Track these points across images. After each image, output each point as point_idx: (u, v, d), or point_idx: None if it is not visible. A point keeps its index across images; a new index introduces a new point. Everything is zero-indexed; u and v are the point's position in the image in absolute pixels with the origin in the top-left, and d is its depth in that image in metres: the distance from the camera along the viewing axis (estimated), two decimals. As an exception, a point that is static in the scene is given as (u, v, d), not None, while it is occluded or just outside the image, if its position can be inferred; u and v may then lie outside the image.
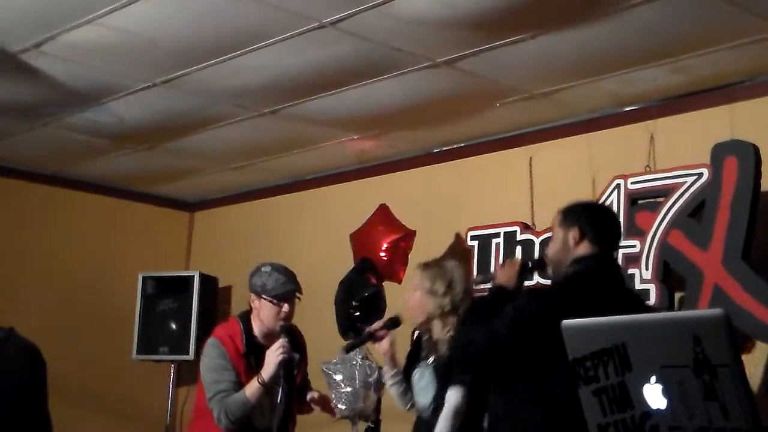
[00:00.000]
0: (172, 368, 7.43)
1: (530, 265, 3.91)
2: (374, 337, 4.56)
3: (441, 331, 4.38)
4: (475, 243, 5.84)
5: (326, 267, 6.37)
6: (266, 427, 4.58)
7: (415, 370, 4.45)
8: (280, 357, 4.48)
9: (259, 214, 7.76)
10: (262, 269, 4.78)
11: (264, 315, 4.70)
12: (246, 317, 4.78)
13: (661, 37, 4.68)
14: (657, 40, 4.70)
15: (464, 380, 4.19)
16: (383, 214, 6.15)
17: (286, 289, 4.69)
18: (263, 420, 4.61)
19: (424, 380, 4.37)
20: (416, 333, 4.64)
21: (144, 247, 7.89)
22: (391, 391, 4.56)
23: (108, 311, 7.47)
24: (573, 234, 3.65)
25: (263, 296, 4.69)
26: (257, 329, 4.73)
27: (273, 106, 5.80)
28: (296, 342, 4.76)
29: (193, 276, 7.37)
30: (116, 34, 4.78)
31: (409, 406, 4.53)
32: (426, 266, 4.52)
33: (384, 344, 4.53)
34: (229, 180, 7.59)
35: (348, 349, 4.66)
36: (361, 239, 6.20)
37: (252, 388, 4.51)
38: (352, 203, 6.87)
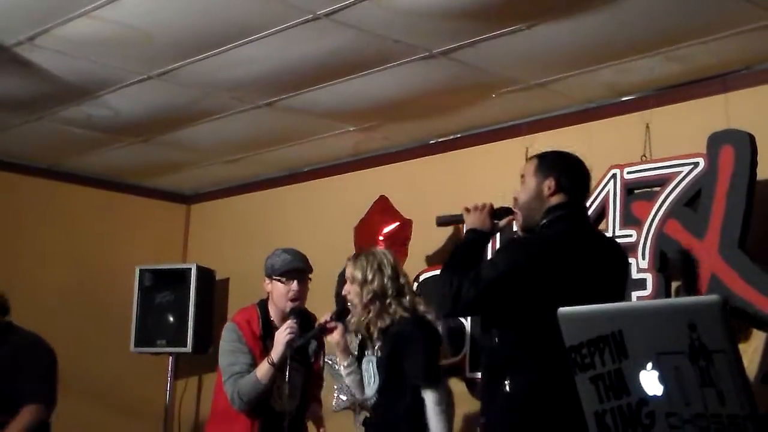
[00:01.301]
0: (170, 361, 7.43)
1: (500, 210, 3.77)
2: (324, 330, 4.57)
3: (376, 320, 4.37)
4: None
5: (323, 259, 6.36)
6: (285, 411, 4.69)
7: (364, 359, 4.48)
8: (288, 337, 4.60)
9: (256, 206, 7.76)
10: (274, 252, 4.94)
11: (275, 296, 4.86)
12: (263, 303, 4.93)
13: (657, 27, 4.68)
14: (653, 29, 4.70)
15: (429, 381, 4.22)
16: (382, 205, 6.16)
17: (291, 266, 4.83)
18: (282, 404, 4.72)
19: (369, 371, 4.39)
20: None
21: (141, 240, 7.89)
22: (347, 381, 4.57)
23: (105, 304, 7.47)
24: (548, 183, 3.63)
25: (273, 277, 4.85)
26: (273, 313, 4.88)
27: (269, 98, 5.80)
28: (310, 326, 4.84)
29: (190, 268, 7.38)
30: (111, 26, 4.78)
31: (365, 396, 4.54)
32: (354, 257, 4.52)
33: (335, 335, 4.55)
34: (225, 172, 7.59)
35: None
36: (361, 230, 6.21)
37: (262, 369, 4.65)
38: (349, 195, 6.87)
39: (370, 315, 4.37)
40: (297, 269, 4.86)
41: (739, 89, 5.12)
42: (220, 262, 7.64)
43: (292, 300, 4.82)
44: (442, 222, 4.19)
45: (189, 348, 7.21)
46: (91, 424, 7.07)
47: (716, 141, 4.88)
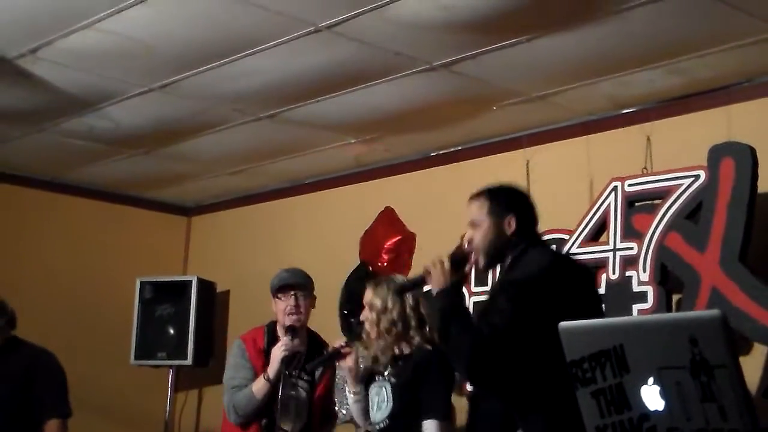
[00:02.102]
0: (171, 373, 7.42)
1: (456, 259, 3.72)
2: (338, 355, 4.56)
3: (392, 347, 4.38)
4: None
5: (325, 271, 6.37)
6: (292, 429, 4.78)
7: (373, 385, 4.45)
8: (283, 354, 4.70)
9: (257, 218, 7.75)
10: (277, 272, 5.07)
11: (277, 314, 4.96)
12: (273, 323, 5.04)
13: (658, 40, 4.68)
14: (654, 42, 4.71)
15: (440, 414, 4.22)
16: (388, 217, 6.16)
17: (286, 282, 4.94)
18: (288, 422, 4.77)
19: (381, 396, 4.37)
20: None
21: (142, 252, 7.89)
22: (353, 408, 4.54)
23: (105, 316, 7.46)
24: (509, 221, 3.67)
25: (273, 295, 4.97)
26: (280, 332, 4.97)
27: (270, 111, 5.80)
28: (318, 346, 4.95)
29: (191, 281, 7.37)
30: (112, 39, 4.78)
31: (368, 424, 4.52)
32: (375, 283, 4.51)
33: (348, 361, 4.53)
34: (226, 184, 7.59)
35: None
36: (367, 241, 6.22)
37: (258, 383, 4.75)
38: (351, 207, 6.87)
39: (385, 343, 4.37)
40: (291, 284, 4.95)
41: (740, 102, 5.12)
42: (220, 275, 7.64)
43: (289, 314, 4.89)
44: (401, 289, 4.26)
45: (189, 360, 7.20)
46: (91, 436, 7.06)
47: (717, 153, 4.88)
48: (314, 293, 5.09)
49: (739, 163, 4.79)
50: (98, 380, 7.29)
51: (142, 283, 7.44)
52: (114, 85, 5.45)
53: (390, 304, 4.37)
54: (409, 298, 4.39)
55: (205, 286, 7.47)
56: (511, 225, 3.67)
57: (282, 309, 4.92)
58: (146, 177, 7.44)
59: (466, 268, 3.77)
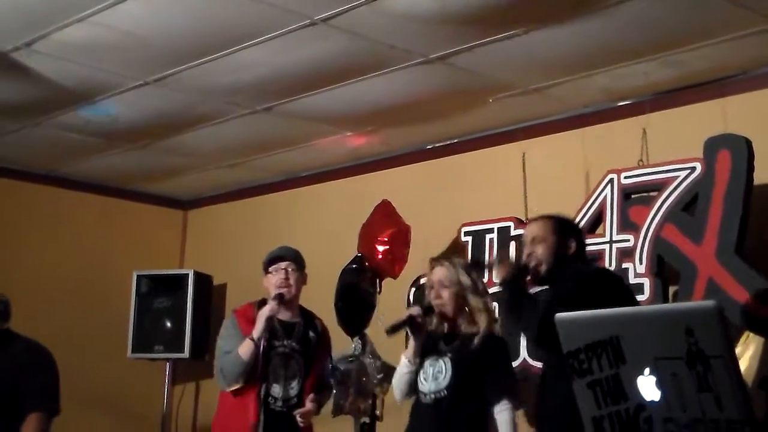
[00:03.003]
0: (168, 366, 7.42)
1: (522, 267, 4.15)
2: (412, 323, 4.45)
3: (466, 326, 4.38)
4: (469, 239, 5.85)
5: (321, 264, 6.36)
6: (283, 397, 4.83)
7: (429, 360, 4.40)
8: (269, 313, 4.77)
9: (254, 211, 7.75)
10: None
11: (269, 288, 4.98)
12: (264, 299, 5.03)
13: (653, 32, 4.68)
14: (649, 34, 4.71)
15: (514, 399, 4.29)
16: (384, 209, 6.14)
17: (275, 254, 5.02)
18: (279, 389, 4.83)
19: (436, 368, 4.36)
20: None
21: (138, 246, 7.88)
22: (400, 378, 4.47)
23: (102, 310, 7.46)
24: (571, 244, 4.12)
25: (264, 272, 5.01)
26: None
27: (266, 104, 5.80)
28: (310, 321, 5.03)
29: (188, 274, 7.37)
30: (108, 32, 4.78)
31: (405, 397, 4.51)
32: (450, 262, 4.51)
33: (422, 332, 4.47)
34: (222, 178, 7.59)
35: (391, 331, 4.63)
36: (364, 234, 6.21)
37: (244, 345, 4.79)
38: (347, 200, 6.87)
39: (460, 320, 4.39)
40: (281, 256, 5.00)
41: (735, 94, 5.13)
42: (217, 268, 7.63)
43: (279, 287, 4.91)
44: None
45: (186, 354, 7.20)
46: (87, 430, 7.05)
47: (713, 146, 4.88)
48: (305, 271, 5.07)
49: (734, 155, 4.79)
50: (95, 373, 7.29)
51: (138, 276, 7.44)
52: (109, 79, 5.44)
53: (464, 281, 4.40)
54: (480, 282, 4.45)
55: (202, 280, 7.46)
56: (571, 247, 4.12)
57: (273, 283, 4.94)
58: (142, 170, 7.43)
59: (526, 278, 4.17)
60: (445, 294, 4.41)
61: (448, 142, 6.45)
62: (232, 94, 5.63)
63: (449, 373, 4.32)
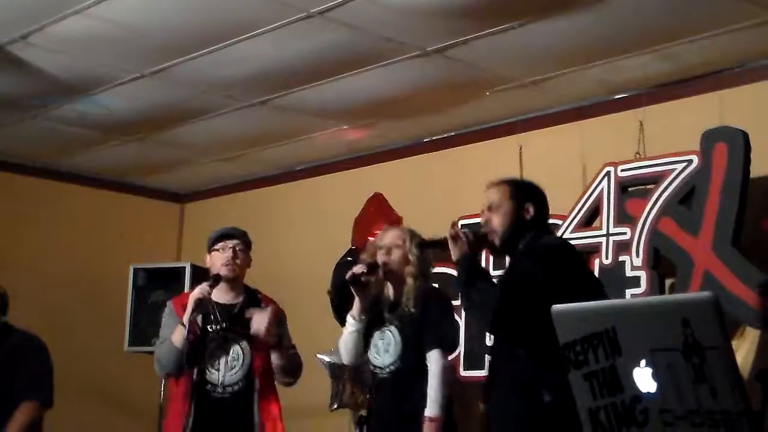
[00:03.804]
0: (165, 360, 7.41)
1: (479, 237, 3.85)
2: (357, 281, 4.40)
3: (405, 294, 4.38)
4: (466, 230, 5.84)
5: (318, 257, 6.37)
6: (224, 383, 4.62)
7: (376, 332, 4.42)
8: (198, 294, 4.55)
9: (250, 205, 7.74)
10: None
11: (212, 269, 4.80)
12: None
13: (650, 25, 4.68)
14: (645, 27, 4.71)
15: (444, 345, 4.30)
16: (377, 202, 6.15)
17: (220, 233, 4.85)
18: (218, 375, 4.63)
19: (385, 340, 4.37)
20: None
21: (135, 239, 7.87)
22: (347, 339, 4.46)
23: (99, 303, 7.45)
24: (528, 207, 3.81)
25: (208, 251, 4.85)
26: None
27: (263, 97, 5.79)
28: (254, 301, 4.77)
29: (185, 267, 7.35)
30: (104, 24, 4.77)
31: (354, 359, 4.49)
32: (398, 227, 4.58)
33: (366, 290, 4.46)
34: (219, 171, 7.58)
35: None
36: (357, 226, 6.21)
37: (176, 332, 4.59)
38: (344, 193, 6.86)
39: (404, 287, 4.40)
40: (228, 234, 4.83)
41: (732, 87, 5.13)
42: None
43: (225, 265, 4.72)
44: (423, 244, 4.29)
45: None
46: (85, 423, 7.04)
47: (710, 138, 4.88)
48: (251, 253, 4.89)
49: (731, 148, 4.79)
50: (92, 367, 7.29)
51: (135, 269, 7.41)
52: (106, 72, 5.44)
53: (414, 252, 4.40)
54: (425, 254, 4.44)
55: (199, 273, 7.44)
56: (529, 211, 3.81)
57: (218, 261, 4.75)
58: (139, 164, 7.43)
59: (482, 248, 3.92)
60: (396, 254, 4.42)
61: (445, 135, 6.44)
62: (229, 87, 5.63)
63: (398, 344, 4.33)
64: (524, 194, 3.85)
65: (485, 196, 3.88)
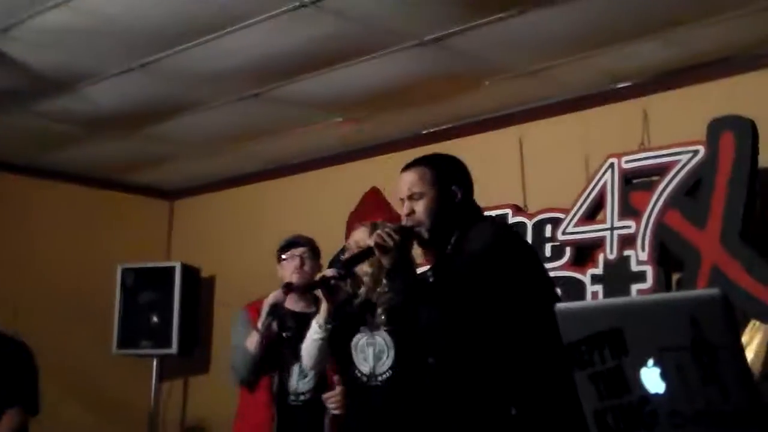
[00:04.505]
0: (155, 363, 7.43)
1: (406, 233, 3.55)
2: (327, 285, 4.29)
3: (375, 293, 4.30)
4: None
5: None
6: (297, 391, 4.80)
7: (361, 335, 4.30)
8: (271, 301, 4.74)
9: (242, 201, 7.75)
10: None
11: (283, 277, 4.96)
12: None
13: (656, 10, 4.67)
14: (651, 12, 4.70)
15: None
16: (373, 197, 6.15)
17: (286, 242, 5.03)
18: (293, 383, 4.80)
19: (376, 346, 4.31)
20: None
21: (123, 238, 7.87)
22: (310, 346, 4.36)
23: (86, 305, 7.44)
24: (455, 191, 3.58)
25: (278, 261, 5.02)
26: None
27: (254, 89, 5.79)
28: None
29: (175, 267, 7.37)
30: (89, 16, 4.76)
31: (317, 365, 4.44)
32: (373, 225, 4.37)
33: (336, 296, 4.35)
34: (210, 167, 7.58)
35: (293, 288, 4.70)
36: (353, 222, 6.21)
37: (251, 337, 4.79)
38: (338, 188, 6.87)
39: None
40: (294, 242, 5.01)
41: (740, 74, 5.13)
42: (205, 260, 7.63)
43: (293, 273, 4.90)
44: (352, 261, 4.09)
45: (174, 349, 7.21)
46: (72, 428, 7.04)
47: (716, 128, 4.89)
48: (320, 259, 5.06)
49: (739, 138, 4.80)
50: (80, 370, 7.29)
51: (123, 269, 7.44)
52: (91, 65, 5.43)
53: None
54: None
55: (189, 272, 7.47)
56: (457, 195, 3.58)
57: (287, 271, 4.93)
58: (127, 160, 7.42)
59: (411, 244, 3.62)
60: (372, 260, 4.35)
61: (442, 128, 6.44)
62: (219, 80, 5.62)
63: (387, 351, 4.24)
64: (449, 176, 3.61)
65: (402, 182, 3.62)
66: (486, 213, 3.79)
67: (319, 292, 4.42)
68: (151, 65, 5.38)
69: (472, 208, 3.64)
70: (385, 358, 4.27)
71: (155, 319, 7.29)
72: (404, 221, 3.58)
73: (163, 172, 7.78)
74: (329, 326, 4.30)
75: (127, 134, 6.72)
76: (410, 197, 3.57)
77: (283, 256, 4.98)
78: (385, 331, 4.27)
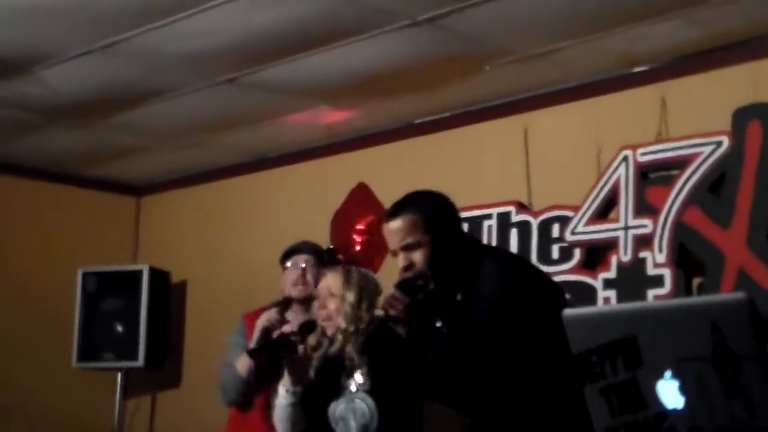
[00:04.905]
0: (119, 377, 7.42)
1: (414, 290, 3.62)
2: (284, 343, 4.39)
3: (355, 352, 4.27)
4: (465, 226, 5.85)
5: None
6: None
7: (342, 401, 4.27)
8: (264, 323, 4.74)
9: (217, 198, 7.75)
10: None
11: (285, 288, 5.02)
12: (285, 298, 5.05)
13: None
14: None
15: None
16: (360, 194, 6.16)
17: (288, 248, 5.09)
18: None
19: (358, 413, 4.22)
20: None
21: (84, 239, 7.87)
22: (281, 413, 4.36)
23: (43, 313, 7.44)
24: (448, 231, 3.69)
25: (282, 268, 5.07)
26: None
27: (230, 74, 5.79)
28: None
29: (142, 270, 7.37)
30: (46, -8, 4.77)
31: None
32: (347, 273, 4.41)
33: (295, 355, 4.39)
34: (181, 160, 7.58)
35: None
36: (337, 224, 6.21)
37: (241, 359, 4.81)
38: (323, 184, 6.87)
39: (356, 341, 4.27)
40: (296, 249, 5.06)
41: (768, 57, 5.15)
42: (175, 263, 7.63)
43: (294, 285, 4.94)
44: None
45: (141, 362, 7.20)
46: (27, 451, 7.06)
47: (742, 116, 4.90)
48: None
49: (767, 127, 4.81)
50: (35, 386, 7.28)
51: (85, 273, 7.43)
52: (49, 46, 5.42)
53: (349, 301, 4.28)
54: (364, 299, 4.30)
55: (158, 277, 7.46)
56: (452, 236, 3.70)
57: (288, 281, 4.98)
58: (88, 152, 7.41)
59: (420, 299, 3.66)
60: (332, 305, 4.31)
61: (439, 117, 6.45)
62: (191, 63, 5.62)
63: (375, 414, 4.19)
64: (440, 218, 3.71)
65: (391, 234, 3.69)
66: (484, 243, 3.93)
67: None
68: (114, 46, 5.38)
69: (467, 243, 3.78)
70: (371, 424, 4.21)
71: (120, 328, 7.29)
72: (403, 275, 3.63)
73: (129, 166, 7.78)
74: (297, 389, 4.31)
75: (88, 123, 6.72)
76: (405, 248, 3.65)
77: (286, 265, 5.03)
78: (365, 393, 4.23)
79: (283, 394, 4.33)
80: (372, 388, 4.22)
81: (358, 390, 4.25)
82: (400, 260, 3.66)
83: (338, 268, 4.43)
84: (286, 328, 4.49)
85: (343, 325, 4.25)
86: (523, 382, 3.42)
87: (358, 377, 4.27)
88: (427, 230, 3.65)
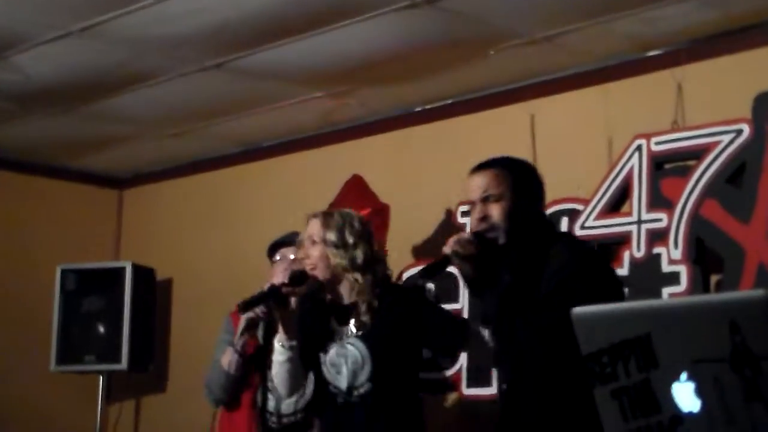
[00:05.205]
0: (101, 380, 7.42)
1: (481, 241, 3.77)
2: (277, 295, 4.33)
3: (351, 294, 4.35)
4: (467, 219, 5.86)
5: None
6: (280, 412, 4.70)
7: (332, 346, 4.35)
8: (247, 317, 4.78)
9: (204, 190, 7.76)
10: None
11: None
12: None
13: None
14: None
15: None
16: (355, 186, 6.17)
17: (275, 241, 5.12)
18: (272, 403, 4.76)
19: (350, 358, 4.34)
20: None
21: (63, 234, 7.88)
22: (279, 370, 4.36)
23: (19, 313, 7.46)
24: (533, 199, 3.84)
25: (270, 261, 5.11)
26: None
27: (218, 59, 5.79)
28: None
29: (125, 267, 7.37)
30: (22, -29, 4.77)
31: (293, 392, 4.42)
32: (326, 215, 4.48)
33: (290, 305, 4.38)
34: (166, 150, 7.59)
35: (244, 308, 4.61)
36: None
37: (225, 354, 4.91)
38: (317, 175, 6.88)
39: (342, 287, 4.36)
40: (282, 242, 5.07)
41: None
42: (161, 259, 7.64)
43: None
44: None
45: (124, 365, 7.20)
46: (3, 459, 7.07)
47: (763, 103, 4.91)
48: None
49: (790, 114, 4.83)
50: (12, 390, 7.30)
51: (64, 271, 7.43)
52: (23, 29, 5.42)
53: (330, 240, 4.34)
54: (346, 234, 4.38)
55: (142, 274, 7.47)
56: (535, 205, 3.84)
57: (276, 277, 4.87)
58: (66, 142, 7.42)
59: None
60: (314, 252, 4.37)
61: (440, 104, 6.46)
62: (177, 46, 5.62)
63: (368, 359, 4.29)
64: (528, 183, 3.86)
65: (474, 184, 3.81)
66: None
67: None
68: (92, 29, 5.38)
69: (545, 220, 3.94)
70: (362, 370, 4.29)
71: (101, 329, 7.30)
72: (476, 226, 3.76)
73: (110, 157, 7.79)
74: (293, 343, 4.32)
75: (66, 111, 6.72)
76: (484, 200, 3.77)
77: (273, 259, 5.06)
78: (357, 338, 4.29)
79: (280, 349, 4.34)
80: (368, 334, 4.29)
81: (351, 335, 4.34)
82: (477, 211, 3.76)
83: (318, 213, 4.48)
84: (277, 280, 4.46)
85: (334, 261, 4.32)
86: (569, 354, 3.45)
87: (354, 324, 4.35)
88: (512, 188, 3.77)
